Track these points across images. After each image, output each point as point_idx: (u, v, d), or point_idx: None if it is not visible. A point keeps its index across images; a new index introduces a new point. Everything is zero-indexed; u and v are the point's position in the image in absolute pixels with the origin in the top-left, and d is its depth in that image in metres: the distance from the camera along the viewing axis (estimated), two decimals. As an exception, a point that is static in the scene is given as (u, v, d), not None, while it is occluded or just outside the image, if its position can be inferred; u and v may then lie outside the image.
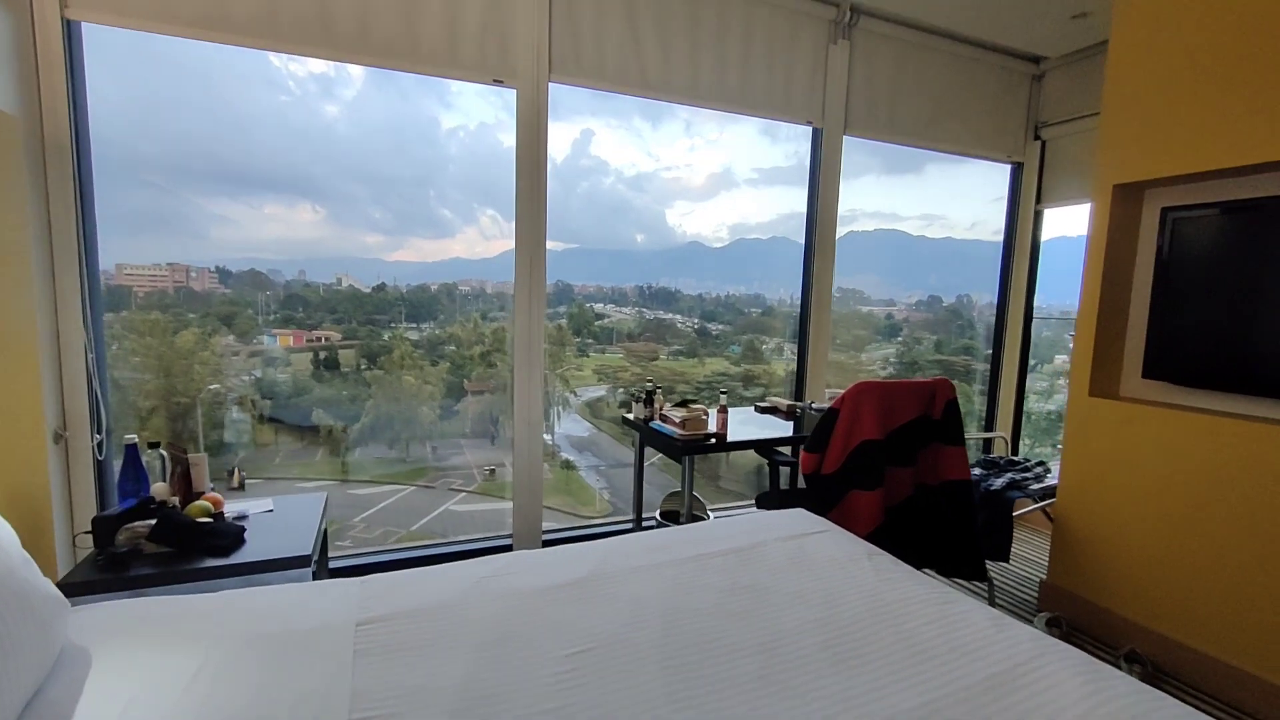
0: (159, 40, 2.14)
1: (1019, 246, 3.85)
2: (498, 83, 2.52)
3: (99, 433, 2.14)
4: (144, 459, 1.82)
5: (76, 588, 1.46)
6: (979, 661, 1.14)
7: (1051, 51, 3.50)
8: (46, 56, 1.96)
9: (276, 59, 2.53)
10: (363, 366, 3.10)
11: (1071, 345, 4.20)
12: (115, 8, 2.01)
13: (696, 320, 3.78)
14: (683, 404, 2.54)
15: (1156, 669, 2.14)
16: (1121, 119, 2.33)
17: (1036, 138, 3.73)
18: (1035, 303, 3.88)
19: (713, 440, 2.38)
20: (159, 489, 1.77)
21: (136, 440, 1.80)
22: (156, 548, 1.62)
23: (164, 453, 1.87)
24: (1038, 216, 3.80)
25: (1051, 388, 4.23)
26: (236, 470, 2.25)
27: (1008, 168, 3.85)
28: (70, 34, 2.02)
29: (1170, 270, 2.27)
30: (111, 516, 1.64)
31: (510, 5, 2.47)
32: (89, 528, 1.64)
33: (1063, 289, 3.89)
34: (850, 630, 1.25)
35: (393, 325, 3.14)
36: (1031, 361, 3.98)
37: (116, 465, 2.17)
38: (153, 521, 1.64)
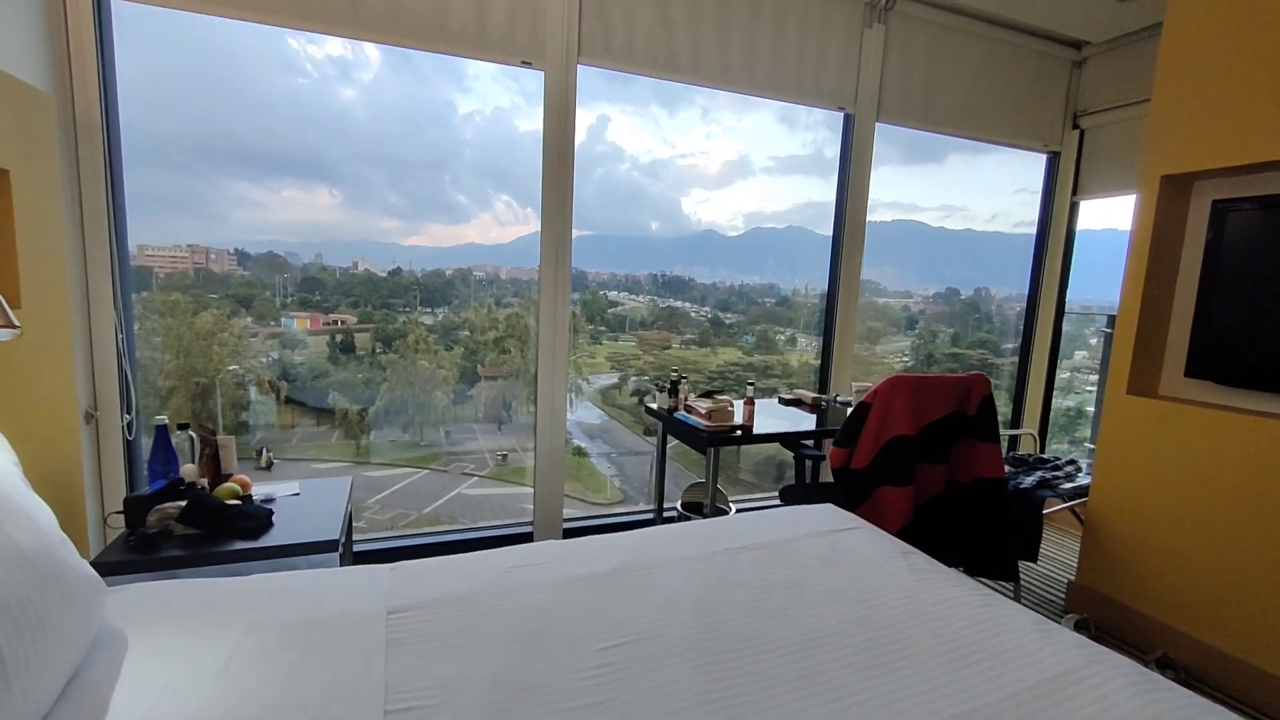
0: (178, 20, 2.12)
1: (1052, 239, 3.75)
2: (526, 64, 2.48)
3: (128, 413, 2.15)
4: (173, 440, 1.83)
5: (109, 567, 1.47)
6: (1026, 668, 1.11)
7: (1095, 37, 3.38)
8: (77, 33, 1.94)
9: (294, 41, 2.51)
10: (378, 350, 3.11)
11: (1093, 341, 4.14)
12: (144, -16, 1.99)
13: (710, 309, 3.75)
14: (708, 394, 2.51)
15: (1190, 675, 2.09)
16: (1172, 107, 2.24)
17: (1075, 126, 3.61)
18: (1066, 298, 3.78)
19: (739, 432, 2.34)
20: (189, 470, 1.77)
21: (167, 421, 1.81)
22: (186, 529, 1.63)
23: (193, 434, 1.88)
24: (1073, 208, 3.69)
25: (1070, 383, 4.14)
26: (265, 451, 2.25)
27: (1036, 158, 3.74)
28: (100, 11, 2.01)
29: (1219, 266, 2.18)
30: (143, 497, 1.64)
31: (540, -15, 2.42)
32: (120, 508, 1.65)
33: (1085, 283, 3.80)
34: (890, 631, 1.22)
35: (407, 309, 3.14)
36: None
37: (144, 445, 2.18)
38: (183, 503, 1.64)
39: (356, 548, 2.52)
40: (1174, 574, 2.19)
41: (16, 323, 1.30)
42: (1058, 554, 3.07)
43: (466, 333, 3.26)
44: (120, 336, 2.10)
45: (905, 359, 4.18)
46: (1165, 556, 2.22)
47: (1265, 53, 1.98)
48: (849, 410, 2.26)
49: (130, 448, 2.19)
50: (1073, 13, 3.14)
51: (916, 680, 1.09)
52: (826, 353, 3.32)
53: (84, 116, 1.98)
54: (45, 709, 0.88)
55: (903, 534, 1.92)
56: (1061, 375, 4.01)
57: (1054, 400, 3.96)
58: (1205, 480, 2.11)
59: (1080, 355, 4.19)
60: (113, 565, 1.48)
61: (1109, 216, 3.73)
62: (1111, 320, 3.40)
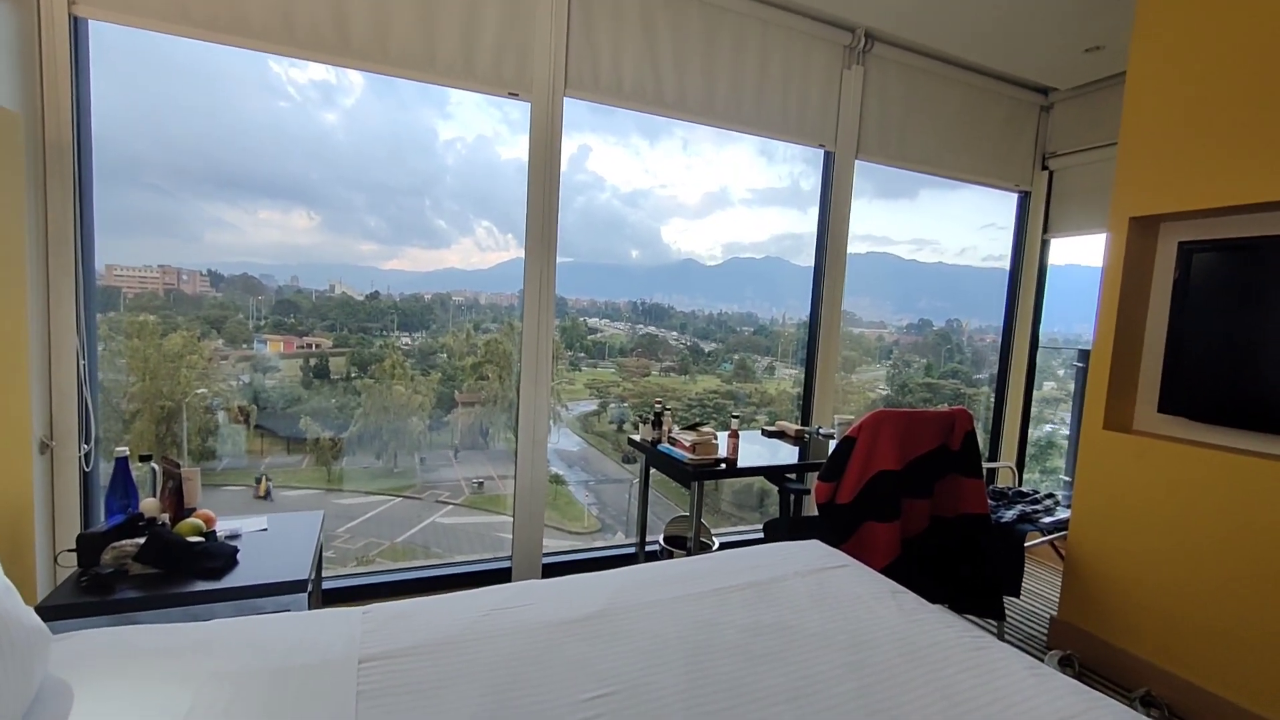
0: (158, 41, 2.09)
1: (1025, 275, 3.86)
2: (513, 95, 2.49)
3: (86, 443, 2.04)
4: (134, 472, 1.73)
5: (58, 610, 1.37)
6: (1023, 715, 1.08)
7: (1061, 83, 3.53)
8: (51, 53, 1.90)
9: (277, 65, 2.50)
10: (353, 374, 3.05)
11: (1060, 373, 4.24)
12: (125, 5, 1.96)
13: (689, 337, 3.77)
14: (692, 427, 2.49)
15: (1174, 714, 2.09)
16: (1138, 152, 2.32)
17: (1044, 168, 3.74)
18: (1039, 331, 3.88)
19: (723, 466, 2.32)
20: (149, 505, 1.68)
21: (127, 453, 1.72)
22: (144, 568, 1.53)
23: (155, 466, 1.79)
24: (1044, 245, 3.81)
25: (1040, 415, 4.22)
26: (264, 479, 2.15)
27: (1003, 195, 3.87)
28: (77, 31, 1.97)
29: (1187, 304, 2.25)
30: (98, 534, 1.55)
31: (529, 19, 2.45)
32: (73, 545, 1.55)
33: (1053, 317, 3.92)
34: (883, 676, 1.19)
35: (384, 333, 3.10)
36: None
37: (103, 476, 2.08)
38: (141, 540, 1.55)
39: (326, 584, 2.41)
40: (1155, 610, 2.20)
41: (-31, 350, 1.23)
42: (1039, 589, 3.08)
43: (444, 357, 3.21)
44: (82, 363, 2.01)
45: (882, 389, 4.23)
46: (1146, 592, 2.23)
47: (1226, 102, 2.07)
48: (832, 443, 2.25)
49: (87, 480, 2.07)
50: (1040, 61, 3.28)
51: (912, 730, 1.05)
52: (809, 384, 3.33)
53: (54, 136, 1.92)
54: (-24, 778, 0.80)
55: (890, 570, 1.90)
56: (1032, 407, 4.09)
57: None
58: (1182, 516, 2.14)
59: (1049, 386, 4.28)
60: (62, 609, 1.39)
61: (1073, 253, 3.87)
62: (1083, 354, 3.49)
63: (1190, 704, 2.08)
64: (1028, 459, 4.07)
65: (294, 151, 2.71)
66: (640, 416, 2.75)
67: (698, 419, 2.86)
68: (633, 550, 2.97)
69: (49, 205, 1.92)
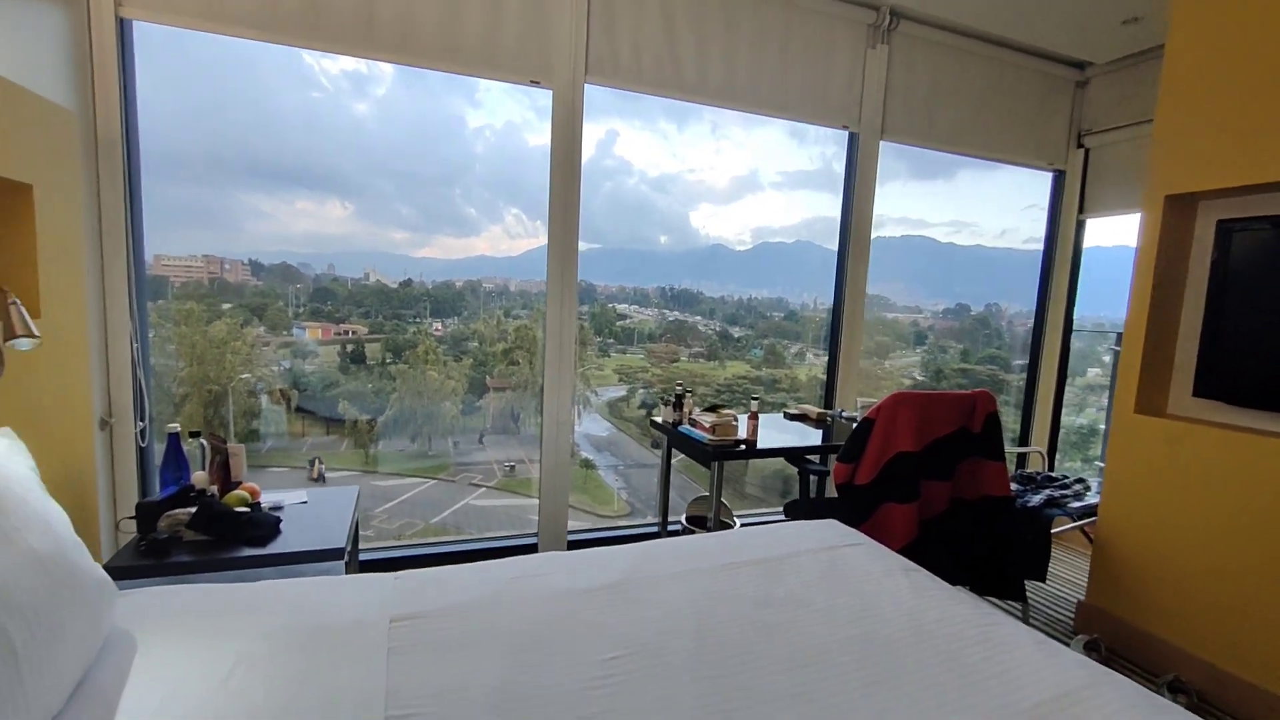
0: (198, 38, 2.18)
1: (1059, 256, 3.75)
2: (534, 83, 2.53)
3: (142, 420, 2.19)
4: (185, 447, 1.86)
5: (120, 572, 1.49)
6: (1027, 688, 1.10)
7: (1098, 58, 3.40)
8: (101, 53, 2.01)
9: (309, 57, 2.57)
10: (388, 360, 3.14)
11: (1105, 359, 4.12)
12: (167, 6, 2.06)
13: (718, 323, 3.76)
14: (712, 409, 2.52)
15: (1201, 699, 2.06)
16: (1176, 128, 2.25)
17: (1079, 145, 3.63)
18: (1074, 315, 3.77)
19: (743, 446, 2.35)
20: (199, 477, 1.80)
21: (179, 429, 1.84)
22: (195, 535, 1.65)
23: (204, 442, 1.91)
24: (1079, 226, 3.70)
25: (1084, 401, 4.11)
26: (317, 462, 2.27)
27: (1044, 175, 3.75)
28: (123, 32, 2.07)
29: (1225, 285, 2.18)
30: (154, 503, 1.67)
31: (549, 7, 2.48)
32: (131, 513, 1.68)
33: (1097, 300, 3.79)
34: (888, 649, 1.22)
35: (418, 320, 3.18)
36: (1064, 375, 3.88)
37: (157, 452, 2.22)
38: (193, 509, 1.67)
39: (362, 556, 2.53)
40: (1185, 595, 2.16)
41: (37, 332, 1.34)
42: (1067, 573, 3.04)
43: (475, 344, 3.29)
44: (135, 345, 2.14)
45: (916, 374, 4.17)
46: (1176, 577, 2.19)
47: (1267, 75, 1.99)
48: (853, 426, 2.26)
49: (143, 454, 2.22)
50: (1075, 34, 3.16)
51: (915, 700, 1.08)
52: (832, 368, 3.33)
53: (105, 133, 2.04)
54: (55, 710, 0.90)
55: (907, 551, 1.91)
56: (1073, 395, 3.99)
57: (1067, 418, 3.93)
58: (1215, 500, 2.10)
59: (1094, 373, 4.16)
60: (123, 570, 1.51)
61: (1120, 233, 3.73)
62: (1121, 338, 3.39)
63: (1220, 690, 2.05)
64: (1070, 447, 3.98)
65: (328, 142, 2.79)
66: (662, 399, 2.80)
67: (726, 404, 2.88)
68: (655, 530, 3.04)
69: (102, 198, 2.05)
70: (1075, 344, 3.84)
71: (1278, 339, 2.04)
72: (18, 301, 1.33)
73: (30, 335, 1.33)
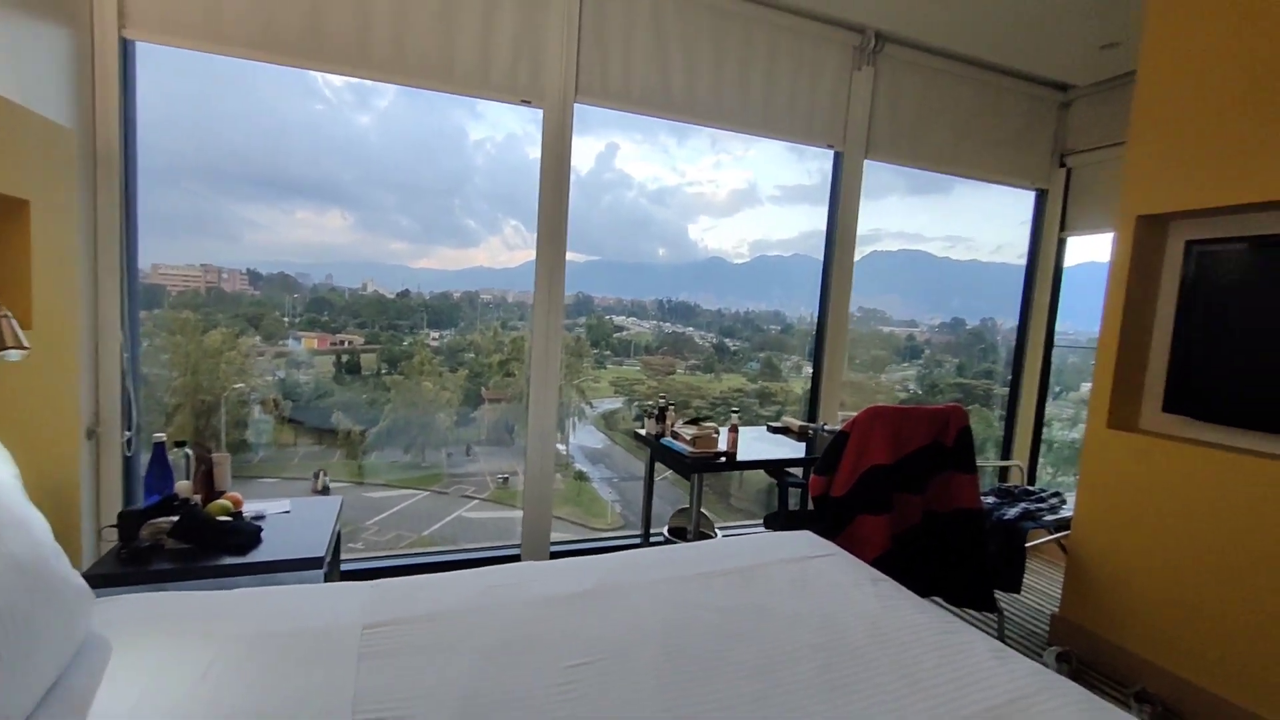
0: (202, 55, 2.24)
1: (1041, 273, 3.81)
2: (525, 103, 2.59)
3: (129, 430, 2.22)
4: (170, 457, 1.89)
5: (100, 579, 1.52)
6: (977, 693, 1.14)
7: (1079, 80, 3.49)
8: (103, 73, 2.07)
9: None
10: (383, 371, 3.16)
11: (1097, 374, 4.16)
12: (170, 29, 2.12)
13: (715, 336, 3.78)
14: (694, 421, 2.56)
15: (1167, 710, 2.08)
16: (1147, 150, 2.31)
17: (1062, 165, 3.70)
18: (1060, 329, 3.82)
19: (722, 459, 2.39)
20: (182, 486, 1.83)
21: (164, 439, 1.88)
22: (177, 544, 1.68)
23: (189, 451, 1.94)
24: (1061, 244, 3.76)
25: (1077, 416, 4.15)
26: (321, 474, 2.31)
27: (1033, 193, 3.82)
28: (126, 52, 2.14)
29: (1193, 303, 2.23)
30: (136, 512, 1.70)
31: (541, 29, 2.55)
32: (115, 521, 1.71)
33: (1093, 315, 3.83)
34: (848, 656, 1.25)
35: (414, 331, 3.20)
36: (1056, 389, 3.92)
37: (143, 461, 2.25)
38: (175, 518, 1.70)
39: (345, 567, 2.55)
40: (1155, 608, 2.19)
41: (26, 343, 1.38)
42: (1043, 586, 3.06)
43: (472, 355, 3.30)
44: (125, 356, 2.18)
45: (910, 388, 4.20)
46: (1145, 591, 2.22)
47: (1233, 102, 2.06)
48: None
49: (129, 464, 2.25)
50: (1056, 58, 3.25)
51: (872, 704, 1.11)
52: (816, 381, 3.37)
53: (104, 149, 2.09)
54: (27, 711, 0.93)
55: (880, 563, 1.94)
56: (1067, 410, 4.02)
57: (1060, 433, 3.96)
58: (1184, 515, 2.13)
59: (1087, 387, 4.20)
60: (104, 577, 1.53)
61: (1108, 251, 3.77)
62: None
63: (1184, 700, 2.07)
64: (1062, 462, 4.00)
65: (328, 153, 2.83)
66: (645, 411, 2.83)
67: (721, 416, 2.90)
68: (638, 541, 3.06)
69: (98, 211, 2.10)
70: (1070, 359, 3.88)
71: (1243, 356, 2.09)
72: (9, 314, 1.37)
73: (19, 346, 1.37)
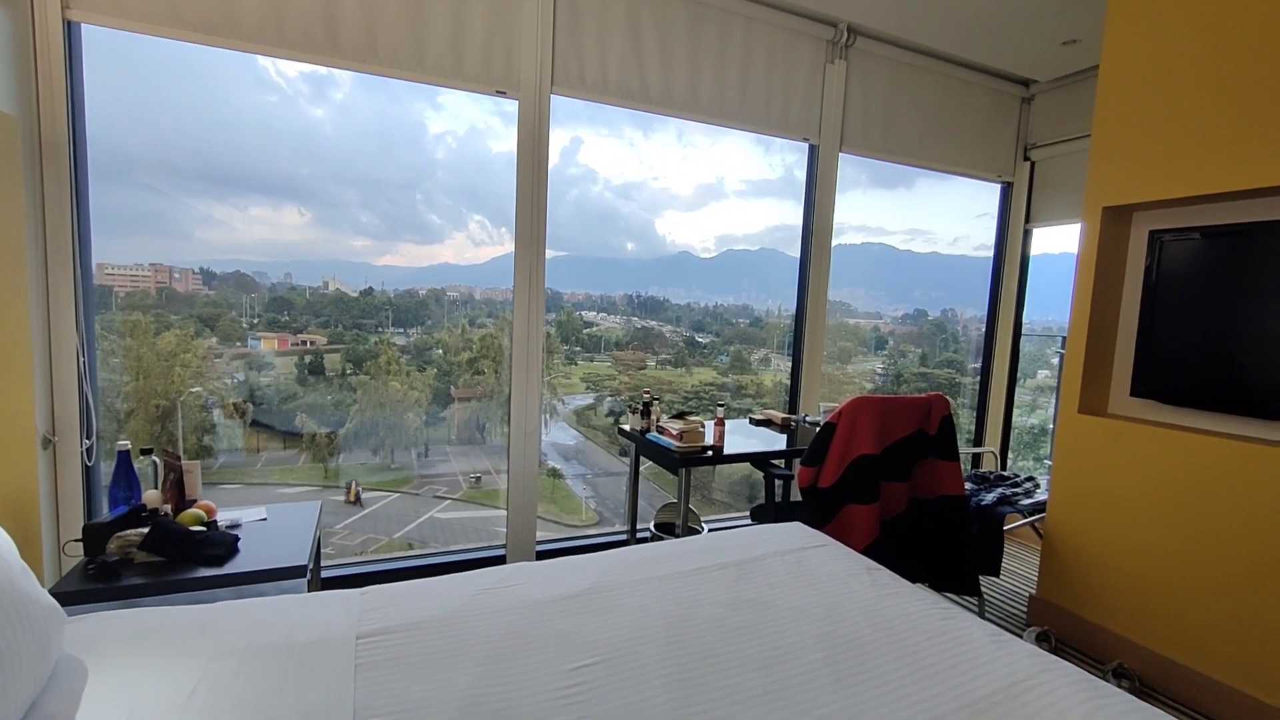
0: (148, 38, 2.12)
1: (1008, 264, 3.93)
2: (501, 94, 2.54)
3: (88, 438, 2.10)
4: (136, 465, 1.79)
5: (67, 597, 1.43)
6: (980, 678, 1.16)
7: (1041, 75, 3.59)
8: (46, 57, 1.94)
9: (264, 59, 2.52)
10: (348, 371, 3.07)
11: (1054, 361, 4.32)
12: (118, 10, 2.00)
13: (685, 330, 3.80)
14: (679, 415, 2.55)
15: (1143, 684, 2.17)
16: (1111, 143, 2.39)
17: (1026, 158, 3.81)
18: (1023, 319, 3.95)
19: (710, 453, 2.39)
20: (151, 496, 1.74)
21: (129, 446, 1.77)
22: (148, 557, 1.59)
23: (156, 459, 1.85)
24: (1026, 235, 3.88)
25: (1034, 403, 4.29)
26: (354, 484, 2.22)
27: (994, 185, 3.93)
28: (70, 35, 2.00)
29: (1158, 292, 2.32)
30: (102, 524, 1.61)
31: (516, 18, 2.49)
32: (78, 535, 1.61)
33: (1047, 305, 3.97)
34: (853, 646, 1.26)
35: (379, 330, 3.12)
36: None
37: (104, 471, 2.13)
38: (145, 530, 1.61)
39: (325, 573, 2.47)
40: (1128, 587, 2.28)
41: (-23, 347, 1.28)
42: (1020, 569, 3.16)
43: (440, 353, 3.24)
44: (82, 359, 2.06)
45: (878, 379, 4.29)
46: (1119, 570, 2.31)
47: (1195, 95, 2.14)
48: (817, 430, 2.32)
49: (89, 474, 2.13)
50: (1020, 54, 3.34)
51: (879, 693, 1.12)
52: (796, 373, 3.40)
53: (50, 137, 1.96)
54: (1, 742, 0.86)
55: (869, 551, 1.98)
56: (1024, 396, 4.15)
57: (1018, 419, 4.09)
58: (1154, 496, 2.22)
59: (1044, 374, 4.35)
60: (71, 595, 1.44)
61: (1066, 242, 3.91)
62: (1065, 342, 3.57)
63: (1159, 675, 2.16)
64: (1023, 447, 4.14)
65: (283, 147, 2.72)
66: (629, 407, 2.81)
67: (693, 410, 2.91)
68: (624, 538, 3.05)
69: (46, 206, 1.97)
70: (1026, 347, 4.01)
71: (1204, 342, 2.19)
72: (-45, 315, 1.27)
73: (-31, 351, 1.27)
